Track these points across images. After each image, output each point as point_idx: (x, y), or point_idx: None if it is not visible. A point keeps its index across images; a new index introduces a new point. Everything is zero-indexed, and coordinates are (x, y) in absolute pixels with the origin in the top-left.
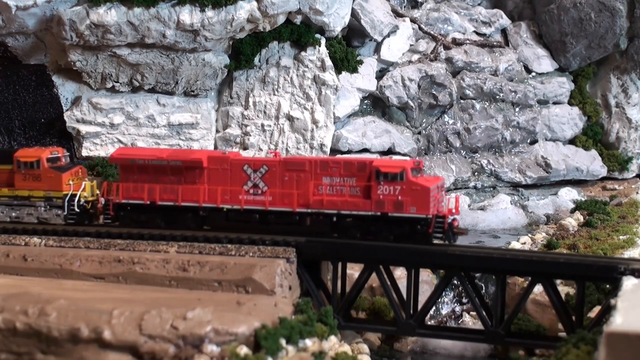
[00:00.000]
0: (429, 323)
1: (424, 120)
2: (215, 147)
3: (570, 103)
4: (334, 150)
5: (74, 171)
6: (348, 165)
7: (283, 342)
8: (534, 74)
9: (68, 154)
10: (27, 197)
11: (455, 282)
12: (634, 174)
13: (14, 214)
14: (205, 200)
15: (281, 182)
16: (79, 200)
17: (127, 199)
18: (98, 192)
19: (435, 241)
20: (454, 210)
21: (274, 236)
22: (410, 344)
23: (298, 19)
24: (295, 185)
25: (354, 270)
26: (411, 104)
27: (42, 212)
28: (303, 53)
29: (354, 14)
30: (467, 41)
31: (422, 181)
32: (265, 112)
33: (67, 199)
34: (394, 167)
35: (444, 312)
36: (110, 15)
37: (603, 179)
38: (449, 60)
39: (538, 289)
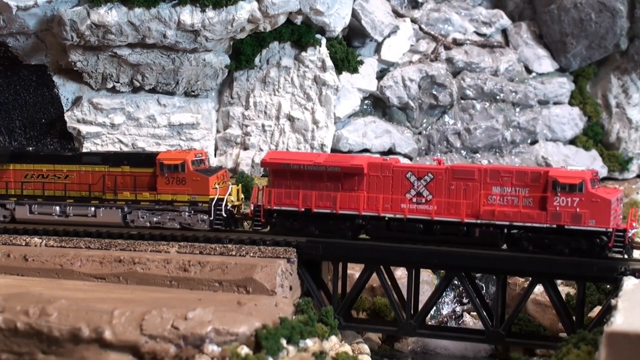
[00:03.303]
0: (429, 323)
1: (425, 120)
2: (216, 148)
3: (570, 103)
4: (334, 151)
5: (219, 174)
6: (521, 175)
7: (284, 342)
8: (534, 74)
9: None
10: (170, 201)
11: (456, 282)
12: (634, 174)
13: (155, 219)
14: (364, 209)
15: (447, 191)
16: (226, 205)
17: (280, 206)
18: (243, 196)
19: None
20: (634, 224)
21: (274, 236)
22: (411, 344)
23: (299, 19)
24: (462, 195)
25: (354, 271)
26: (412, 104)
27: (185, 218)
28: (303, 53)
29: (354, 14)
30: (468, 41)
31: (602, 193)
32: (265, 113)
33: (213, 203)
34: (573, 178)
35: (444, 312)
36: (110, 15)
37: (603, 179)
38: (449, 60)
39: (538, 289)
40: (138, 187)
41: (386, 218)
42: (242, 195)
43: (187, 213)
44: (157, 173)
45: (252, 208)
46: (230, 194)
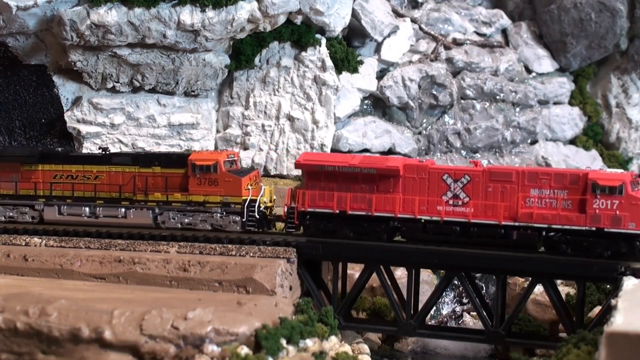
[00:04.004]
0: (429, 323)
1: (425, 120)
2: (216, 148)
3: (570, 103)
4: (335, 151)
5: (252, 175)
6: (559, 177)
7: (284, 342)
8: (534, 74)
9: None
10: (202, 202)
11: (456, 282)
12: None
13: (186, 221)
14: (400, 211)
15: (484, 193)
16: (259, 206)
17: (314, 207)
18: (275, 197)
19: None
20: None
21: (274, 236)
22: (411, 344)
23: (298, 19)
24: (500, 197)
25: (354, 271)
26: (411, 104)
27: (217, 219)
28: (303, 53)
29: (354, 14)
30: (468, 41)
31: None
32: (265, 112)
33: (246, 204)
34: (612, 180)
35: (444, 312)
36: (110, 15)
37: None
38: (449, 60)
39: (538, 289)
40: (169, 188)
41: (422, 220)
42: (274, 197)
43: (219, 214)
44: (189, 174)
45: (286, 210)
46: (263, 195)
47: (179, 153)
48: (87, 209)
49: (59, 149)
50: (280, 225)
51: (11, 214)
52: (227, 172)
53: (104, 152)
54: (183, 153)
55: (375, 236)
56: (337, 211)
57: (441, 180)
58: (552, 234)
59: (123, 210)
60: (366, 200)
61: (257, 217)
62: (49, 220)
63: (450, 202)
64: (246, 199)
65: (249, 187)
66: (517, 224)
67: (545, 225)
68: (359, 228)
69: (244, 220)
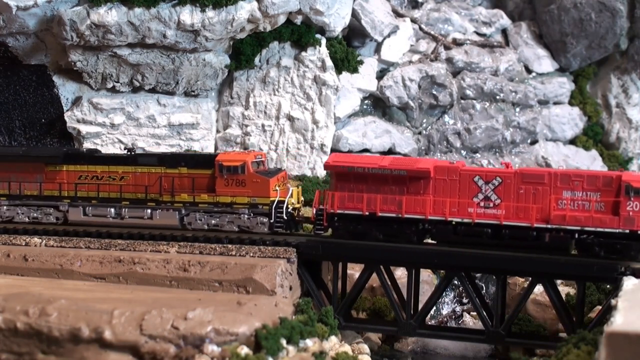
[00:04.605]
0: (429, 323)
1: (425, 120)
2: (215, 148)
3: (570, 103)
4: (335, 151)
5: (280, 176)
6: (592, 179)
7: (284, 342)
8: (534, 74)
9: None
10: (229, 203)
11: (456, 282)
12: None
13: (213, 222)
14: (431, 213)
15: (516, 195)
16: (287, 207)
17: (343, 209)
18: (303, 198)
19: None
20: None
21: (274, 236)
22: (411, 344)
23: (298, 19)
24: (532, 199)
25: (354, 271)
26: (411, 104)
27: (245, 220)
28: (303, 53)
29: (354, 14)
30: (468, 41)
31: None
32: (265, 112)
33: (274, 205)
34: None
35: (444, 312)
36: (110, 15)
37: None
38: (449, 60)
39: (538, 289)
40: (196, 188)
41: (453, 222)
42: (302, 198)
43: (246, 215)
44: (216, 175)
45: (315, 211)
46: (291, 196)
47: (206, 154)
48: (112, 209)
49: (84, 149)
50: (307, 226)
51: (35, 214)
52: (255, 173)
53: (129, 153)
54: (210, 154)
55: (405, 238)
56: (367, 213)
57: (472, 182)
58: (584, 236)
59: (149, 211)
60: (396, 202)
61: (285, 218)
62: (74, 221)
63: (482, 204)
64: (274, 200)
65: (277, 188)
66: (549, 226)
67: (578, 228)
68: (389, 230)
69: (271, 221)
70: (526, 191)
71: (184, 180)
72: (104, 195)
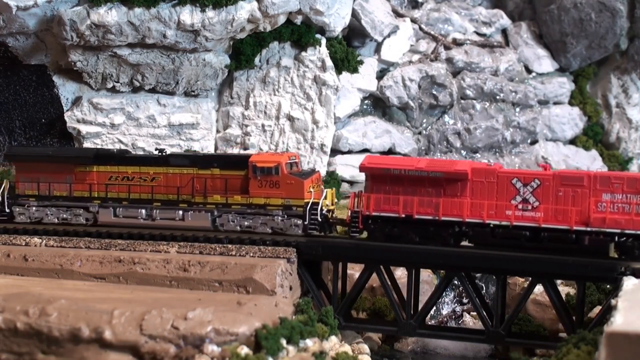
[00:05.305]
0: (429, 323)
1: (425, 120)
2: (216, 148)
3: (570, 103)
4: (335, 151)
5: (314, 178)
6: (632, 181)
7: (284, 342)
8: (534, 74)
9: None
10: (262, 205)
11: (456, 282)
12: None
13: (246, 224)
14: (468, 215)
15: (555, 198)
16: (321, 209)
17: (379, 212)
18: (337, 200)
19: None
20: None
21: (274, 236)
22: (411, 344)
23: (298, 19)
24: (571, 202)
25: (354, 271)
26: (411, 104)
27: (278, 222)
28: (303, 53)
29: (354, 14)
30: (468, 41)
31: None
32: (265, 112)
33: (308, 207)
34: None
35: (444, 312)
36: (110, 15)
37: None
38: (449, 60)
39: (538, 289)
40: (229, 190)
41: (491, 225)
42: (336, 200)
43: (280, 217)
44: (250, 176)
45: (350, 214)
46: (325, 198)
47: (239, 155)
48: (143, 211)
49: (114, 149)
50: (341, 228)
51: (65, 215)
52: (289, 175)
53: (160, 154)
54: (244, 155)
55: (442, 241)
56: (403, 215)
57: (510, 184)
58: (624, 239)
59: (181, 212)
60: (433, 204)
61: (320, 220)
62: (104, 222)
63: (520, 206)
64: (308, 202)
65: (311, 189)
66: (589, 229)
67: (618, 231)
68: (426, 232)
69: (305, 223)
70: (565, 193)
71: (217, 182)
72: (134, 196)
